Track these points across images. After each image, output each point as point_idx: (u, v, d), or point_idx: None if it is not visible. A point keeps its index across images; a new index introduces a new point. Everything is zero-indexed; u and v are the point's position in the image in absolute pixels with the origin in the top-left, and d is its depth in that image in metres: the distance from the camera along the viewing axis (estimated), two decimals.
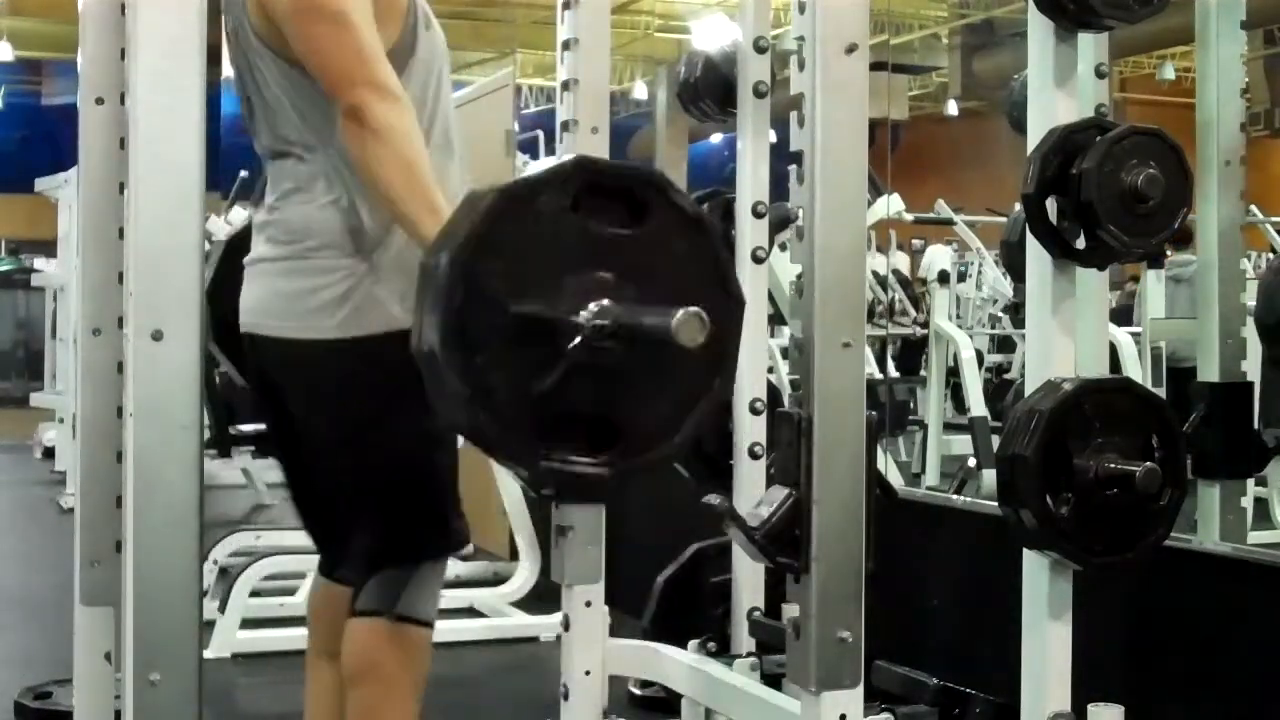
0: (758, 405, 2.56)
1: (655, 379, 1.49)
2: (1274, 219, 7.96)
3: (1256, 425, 3.24)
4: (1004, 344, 8.46)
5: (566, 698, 2.39)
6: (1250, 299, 3.20)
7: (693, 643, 2.55)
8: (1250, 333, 3.17)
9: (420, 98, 2.08)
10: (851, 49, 1.77)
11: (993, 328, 8.76)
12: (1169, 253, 6.03)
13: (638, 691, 3.35)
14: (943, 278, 6.56)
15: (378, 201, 1.99)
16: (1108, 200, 1.93)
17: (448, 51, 2.19)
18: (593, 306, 1.45)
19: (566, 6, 2.36)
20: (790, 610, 1.82)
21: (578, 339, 1.44)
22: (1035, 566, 1.99)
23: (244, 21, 2.06)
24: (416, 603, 2.11)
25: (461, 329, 1.42)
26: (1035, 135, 2.00)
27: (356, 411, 2.09)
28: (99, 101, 1.96)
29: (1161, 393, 4.21)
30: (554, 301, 1.45)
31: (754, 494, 2.42)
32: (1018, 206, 2.17)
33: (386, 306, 2.04)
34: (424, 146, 1.97)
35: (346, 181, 2.04)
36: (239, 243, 2.28)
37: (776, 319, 3.91)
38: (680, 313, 1.39)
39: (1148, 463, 1.87)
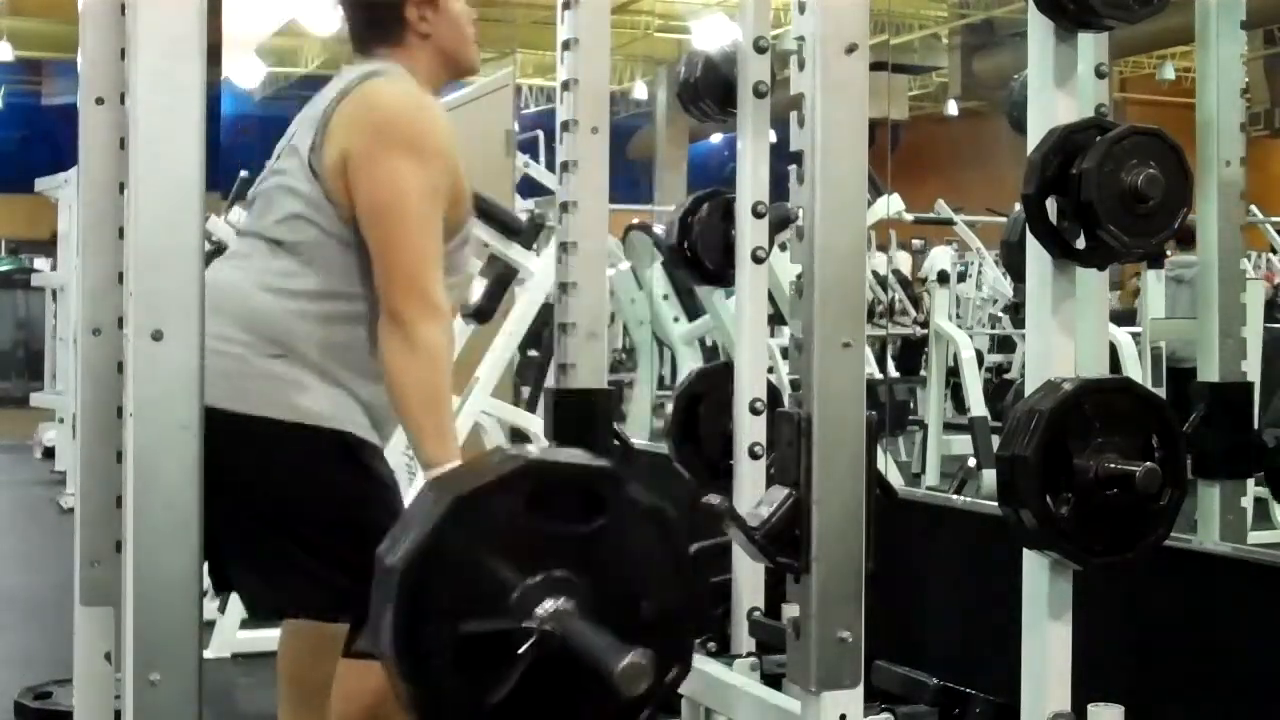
0: (758, 405, 2.56)
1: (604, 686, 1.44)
2: (1274, 219, 7.97)
3: (1256, 425, 3.24)
4: (1004, 344, 8.47)
5: None
6: (1250, 299, 3.21)
7: None
8: (1250, 333, 3.17)
9: (457, 264, 2.19)
10: (851, 49, 1.77)
11: (993, 328, 8.77)
12: (1169, 253, 6.03)
13: None
14: (942, 277, 6.56)
15: (394, 402, 2.07)
16: (1108, 200, 1.92)
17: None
18: (549, 605, 1.42)
19: (566, 6, 2.36)
20: (790, 610, 1.82)
21: (531, 641, 1.42)
22: (1035, 566, 1.99)
23: (309, 152, 2.12)
24: None
25: (415, 643, 1.41)
26: (1035, 135, 2.00)
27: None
28: (99, 101, 1.96)
29: (1161, 393, 4.21)
30: (506, 609, 1.43)
31: (754, 494, 2.41)
32: (1018, 206, 2.17)
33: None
34: (450, 368, 2.07)
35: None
36: None
37: (776, 319, 3.91)
38: (627, 658, 1.37)
39: (1148, 463, 1.87)
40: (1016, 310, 8.03)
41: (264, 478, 2.10)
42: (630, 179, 15.49)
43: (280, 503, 2.11)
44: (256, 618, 2.28)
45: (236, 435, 1.98)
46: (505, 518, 1.44)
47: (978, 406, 6.07)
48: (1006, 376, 7.93)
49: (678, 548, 1.55)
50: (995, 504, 1.95)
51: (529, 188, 7.24)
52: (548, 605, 1.43)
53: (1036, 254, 2.02)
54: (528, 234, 4.53)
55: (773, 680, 2.40)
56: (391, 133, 2.11)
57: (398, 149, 2.09)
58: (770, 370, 2.80)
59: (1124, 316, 6.30)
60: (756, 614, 2.54)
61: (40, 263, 13.65)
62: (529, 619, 1.42)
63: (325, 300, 2.13)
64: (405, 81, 2.18)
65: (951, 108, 15.88)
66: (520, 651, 1.42)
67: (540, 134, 8.03)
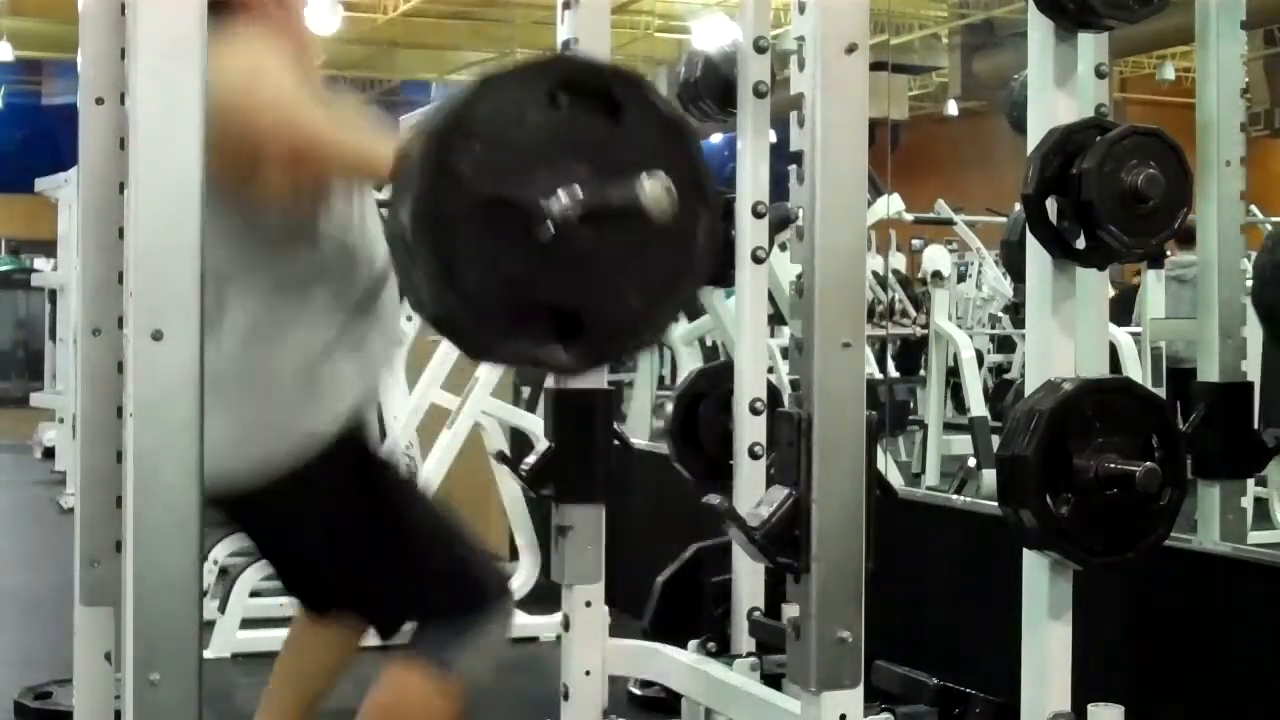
0: (758, 405, 2.56)
1: (625, 271, 1.48)
2: (1274, 219, 7.97)
3: (1256, 425, 3.24)
4: (1004, 344, 8.47)
5: (566, 698, 2.39)
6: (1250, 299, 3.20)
7: (693, 643, 2.55)
8: (1250, 333, 3.17)
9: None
10: (851, 49, 1.77)
11: (993, 328, 8.77)
12: (1169, 253, 6.03)
13: (638, 691, 3.35)
14: (937, 277, 6.55)
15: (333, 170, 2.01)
16: (1108, 200, 1.92)
17: None
18: (563, 193, 1.44)
19: (566, 6, 2.36)
20: (790, 610, 1.82)
21: (548, 224, 1.44)
22: (1035, 566, 1.99)
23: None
24: (460, 656, 2.13)
25: (432, 210, 1.42)
26: (1035, 135, 2.00)
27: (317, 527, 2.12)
28: (99, 101, 1.96)
29: (1161, 393, 4.21)
30: (526, 188, 1.45)
31: (754, 494, 2.41)
32: (1018, 206, 2.17)
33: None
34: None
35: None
36: None
37: (776, 319, 3.91)
38: (645, 179, 1.40)
39: (1148, 463, 1.87)
40: (1016, 310, 8.03)
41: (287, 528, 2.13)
42: None
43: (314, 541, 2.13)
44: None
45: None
46: (530, 104, 1.46)
47: (978, 406, 6.07)
48: (1006, 376, 7.93)
49: (694, 158, 1.55)
50: (995, 504, 1.95)
51: None
52: (564, 194, 1.45)
53: (1036, 254, 2.02)
54: None
55: (773, 680, 2.40)
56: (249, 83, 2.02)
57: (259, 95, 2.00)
58: (770, 370, 2.80)
59: (1122, 302, 6.28)
60: (756, 614, 2.54)
61: (40, 263, 13.65)
62: (547, 201, 1.44)
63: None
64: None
65: (951, 108, 15.87)
66: (538, 232, 1.44)
67: None
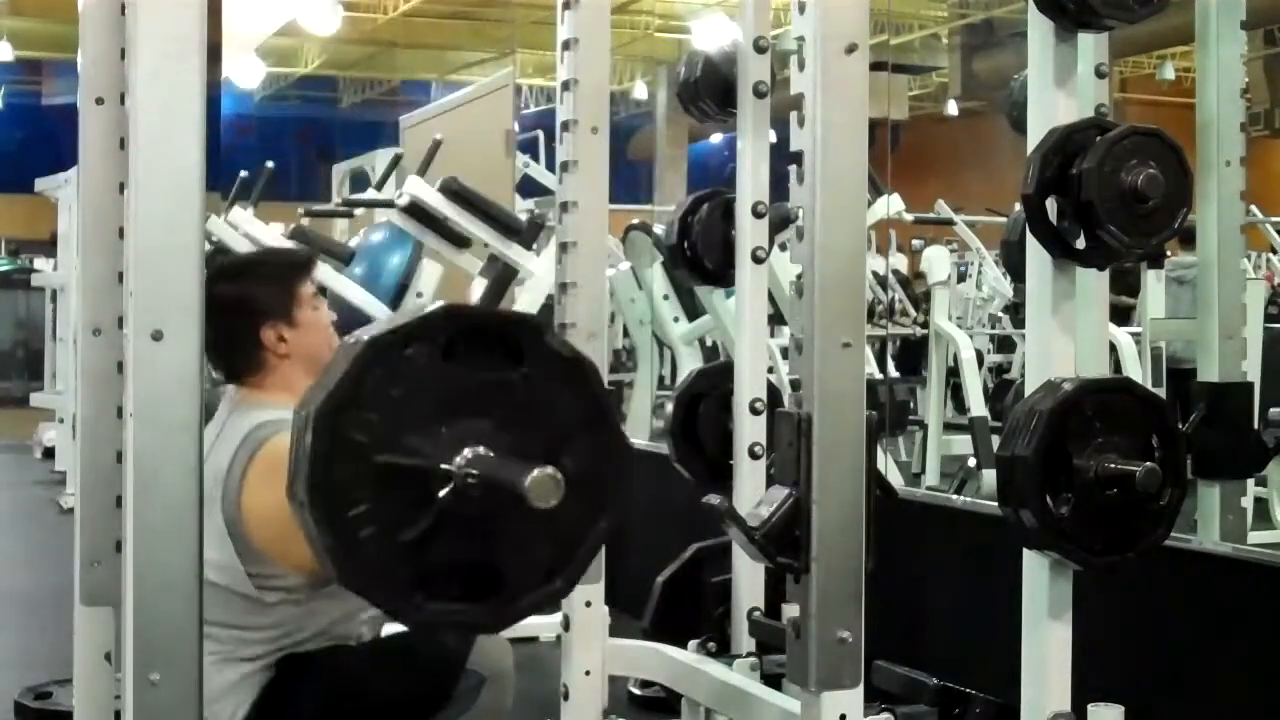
0: (758, 405, 2.56)
1: (536, 523, 1.43)
2: (1274, 219, 7.97)
3: (1256, 425, 3.25)
4: (1004, 344, 8.46)
5: (566, 698, 2.39)
6: (1250, 299, 3.21)
7: (693, 643, 2.55)
8: (1250, 333, 3.17)
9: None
10: (851, 49, 1.78)
11: (993, 328, 8.77)
12: (1169, 253, 6.03)
13: (638, 691, 3.35)
14: (935, 282, 6.55)
15: None
16: (1108, 200, 1.92)
17: None
18: (466, 454, 1.41)
19: (566, 6, 2.36)
20: (790, 610, 1.82)
21: (449, 487, 1.40)
22: (1035, 566, 1.99)
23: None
24: None
25: (327, 482, 1.38)
26: (1035, 135, 2.00)
27: None
28: (99, 101, 1.96)
29: (1161, 393, 4.21)
30: (425, 451, 1.41)
31: (754, 494, 2.42)
32: (1018, 206, 2.17)
33: None
34: None
35: None
36: None
37: (776, 319, 3.91)
38: (534, 472, 1.36)
39: (1148, 463, 1.87)
40: (1016, 310, 8.03)
41: None
42: (630, 179, 15.49)
43: None
44: None
45: None
46: (422, 363, 1.42)
47: (978, 406, 6.07)
48: (1006, 376, 7.93)
49: (599, 397, 1.52)
50: (995, 504, 1.95)
51: (529, 188, 7.24)
52: (466, 453, 1.41)
53: (1036, 254, 2.02)
54: (528, 234, 4.54)
55: (773, 680, 2.40)
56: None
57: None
58: (770, 370, 2.80)
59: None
60: (756, 614, 2.54)
61: (40, 263, 13.64)
62: (446, 463, 1.41)
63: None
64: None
65: (951, 108, 15.87)
66: (440, 495, 1.40)
67: (540, 134, 8.03)
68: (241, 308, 2.27)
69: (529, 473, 1.36)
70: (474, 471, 1.40)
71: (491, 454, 1.41)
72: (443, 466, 1.41)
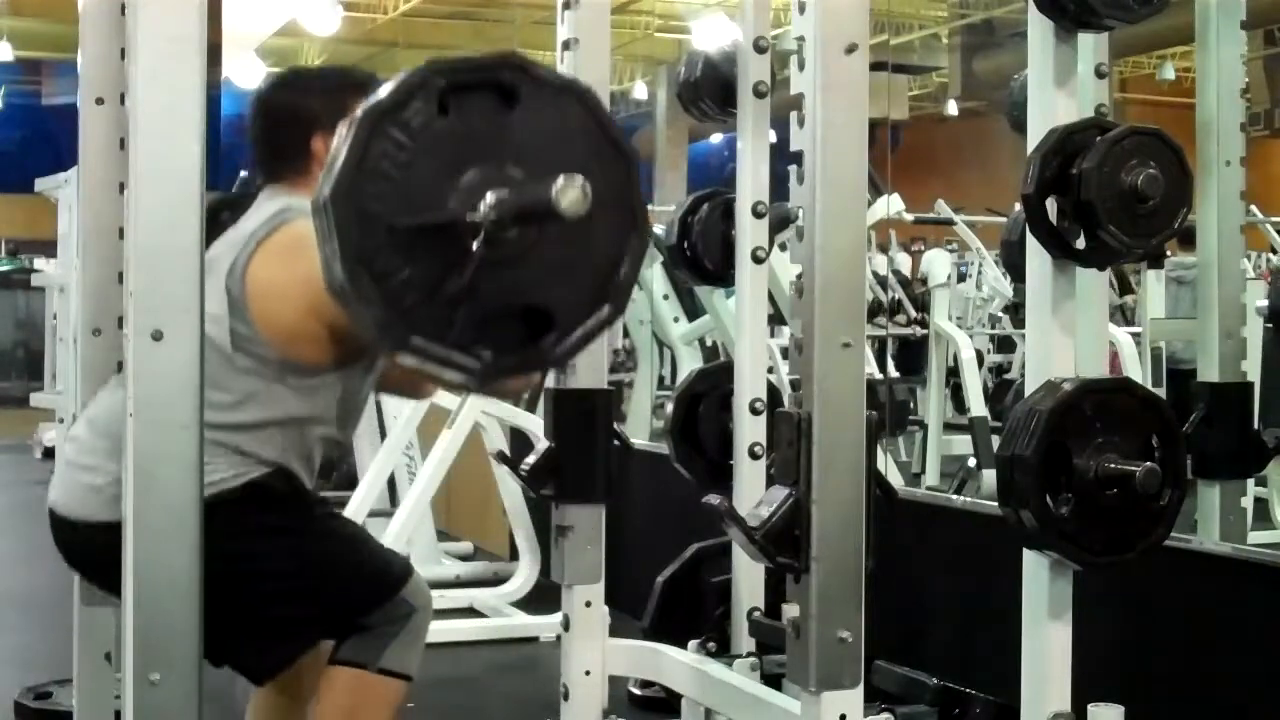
0: (758, 405, 2.56)
1: (573, 251, 1.47)
2: (1274, 219, 7.96)
3: (1256, 425, 3.25)
4: (1004, 344, 8.46)
5: (566, 698, 2.39)
6: (1250, 299, 3.21)
7: (693, 643, 2.55)
8: (1250, 333, 3.17)
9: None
10: (851, 49, 1.78)
11: (993, 328, 8.76)
12: (1169, 253, 6.03)
13: (638, 691, 3.35)
14: (921, 281, 6.54)
15: None
16: (1108, 200, 1.92)
17: None
18: (487, 199, 1.42)
19: (566, 6, 2.36)
20: (790, 610, 1.82)
21: (480, 236, 1.42)
22: (1035, 566, 1.99)
23: (227, 275, 2.13)
24: (399, 657, 2.18)
25: (360, 258, 1.40)
26: (1035, 135, 2.00)
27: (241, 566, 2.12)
28: (99, 101, 1.97)
29: (1161, 393, 4.21)
30: (445, 206, 1.43)
31: (754, 494, 2.41)
32: (1018, 206, 2.17)
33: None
34: None
35: None
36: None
37: (776, 319, 3.91)
38: (558, 180, 1.38)
39: (1148, 463, 1.87)
40: (1016, 310, 8.02)
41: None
42: None
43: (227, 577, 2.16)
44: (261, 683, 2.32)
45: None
46: (420, 124, 1.43)
47: (978, 406, 6.07)
48: (1006, 376, 7.92)
49: (600, 118, 1.53)
50: (995, 504, 1.95)
51: None
52: (487, 198, 1.42)
53: (1036, 254, 2.02)
54: None
55: (773, 680, 2.40)
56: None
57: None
58: (770, 370, 2.80)
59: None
60: (756, 614, 2.54)
61: (40, 263, 13.64)
62: (472, 214, 1.42)
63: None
64: None
65: (951, 108, 15.86)
66: (473, 247, 1.42)
67: None
68: (297, 117, 2.23)
69: (553, 184, 1.37)
70: (498, 216, 1.41)
71: (509, 189, 1.42)
72: (468, 218, 1.42)
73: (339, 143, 1.44)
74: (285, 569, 2.14)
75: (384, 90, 1.44)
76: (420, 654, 2.24)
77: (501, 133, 1.47)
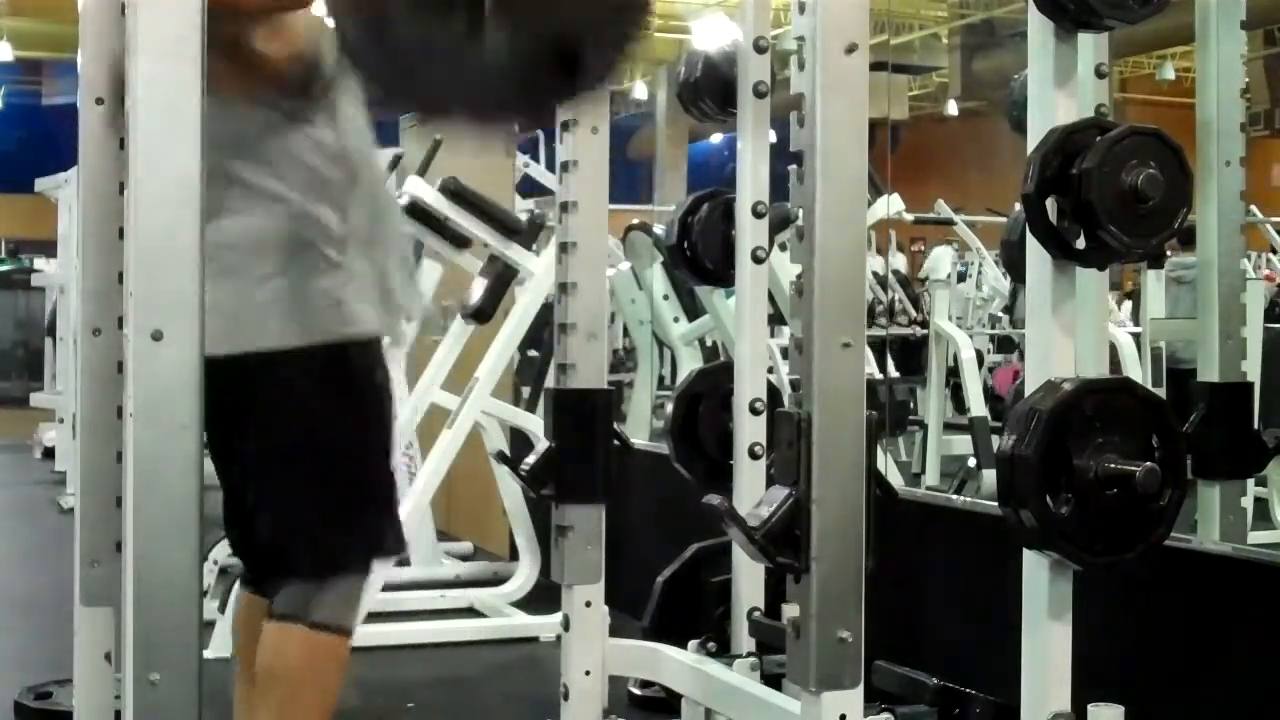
0: (758, 405, 2.56)
1: None
2: (1274, 219, 7.97)
3: (1256, 425, 3.24)
4: (1004, 344, 8.47)
5: (566, 698, 2.39)
6: (1250, 299, 3.20)
7: (693, 643, 2.55)
8: (1250, 333, 3.17)
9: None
10: (851, 49, 1.78)
11: (993, 328, 8.77)
12: (1169, 253, 6.03)
13: (638, 691, 3.35)
14: (921, 281, 6.54)
15: None
16: (1108, 200, 1.92)
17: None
18: None
19: None
20: (790, 610, 1.82)
21: None
22: (1035, 566, 1.99)
23: None
24: (335, 611, 2.13)
25: (380, 12, 1.37)
26: (1035, 135, 2.00)
27: (292, 422, 2.10)
28: (99, 101, 1.96)
29: (1161, 393, 4.21)
30: None
31: (754, 494, 2.42)
32: (1018, 206, 2.17)
33: (328, 311, 2.08)
34: None
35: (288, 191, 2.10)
36: None
37: (776, 319, 3.91)
38: None
39: (1148, 463, 1.87)
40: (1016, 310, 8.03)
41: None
42: (630, 179, 15.48)
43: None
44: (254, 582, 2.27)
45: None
46: None
47: (978, 406, 6.07)
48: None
49: None
50: (995, 504, 1.95)
51: (529, 188, 7.24)
52: None
53: (1036, 254, 2.02)
54: (528, 234, 4.53)
55: (773, 680, 2.40)
56: None
57: None
58: (770, 370, 2.81)
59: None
60: (756, 614, 2.54)
61: (40, 263, 13.64)
62: None
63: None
64: None
65: (951, 108, 15.87)
66: None
67: (540, 134, 8.02)
68: None
69: None
70: None
71: None
72: None
73: None
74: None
75: None
76: (357, 610, 2.18)
77: None
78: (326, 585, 2.12)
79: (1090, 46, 2.20)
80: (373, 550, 2.18)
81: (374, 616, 4.08)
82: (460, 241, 4.63)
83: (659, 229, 6.29)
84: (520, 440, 4.53)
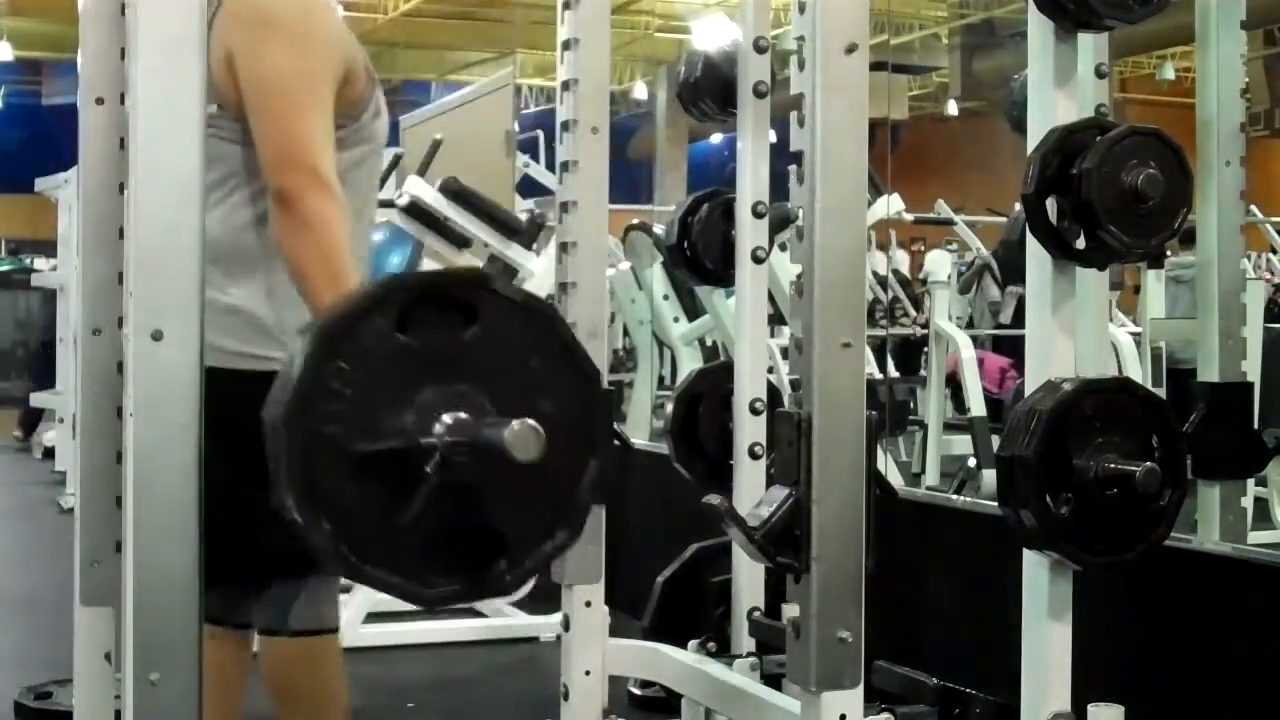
0: (758, 405, 2.56)
1: (528, 478, 1.39)
2: (1274, 219, 7.97)
3: (1256, 425, 3.25)
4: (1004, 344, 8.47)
5: (566, 698, 2.39)
6: (1250, 299, 3.21)
7: (693, 643, 2.55)
8: (1250, 333, 3.17)
9: (368, 179, 2.15)
10: (851, 49, 1.78)
11: (993, 328, 8.77)
12: (1170, 253, 6.03)
13: (638, 691, 3.35)
14: (921, 281, 6.54)
15: (297, 285, 2.04)
16: (1108, 200, 1.92)
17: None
18: (444, 421, 1.37)
19: (566, 6, 2.36)
20: (790, 610, 1.82)
21: (435, 459, 1.37)
22: (1035, 566, 1.99)
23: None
24: (311, 615, 2.12)
25: (313, 483, 1.35)
26: (1035, 135, 2.00)
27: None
28: (99, 101, 1.96)
29: (1161, 393, 4.21)
30: (402, 429, 1.38)
31: (754, 494, 2.41)
32: (1018, 206, 2.17)
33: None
34: (347, 236, 2.01)
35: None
36: None
37: (776, 319, 3.91)
38: (511, 426, 1.33)
39: (1148, 463, 1.87)
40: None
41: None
42: (630, 179, 15.48)
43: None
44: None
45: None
46: (377, 341, 1.38)
47: (978, 406, 6.07)
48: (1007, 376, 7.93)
49: (563, 338, 1.47)
50: (995, 504, 1.95)
51: (529, 188, 7.24)
52: (444, 420, 1.37)
53: (1036, 254, 2.02)
54: (528, 234, 4.54)
55: (773, 680, 2.40)
56: (272, 25, 2.10)
57: (277, 40, 2.08)
58: (770, 370, 2.80)
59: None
60: (756, 614, 2.54)
61: (40, 263, 13.64)
62: (427, 436, 1.37)
63: (219, 189, 2.11)
64: None
65: (951, 108, 15.88)
66: (427, 470, 1.37)
67: (540, 134, 8.03)
68: None
69: (505, 427, 1.32)
70: (456, 439, 1.36)
71: (468, 417, 1.37)
72: (423, 441, 1.37)
73: (295, 355, 1.38)
74: None
75: (342, 306, 1.39)
76: (336, 604, 2.16)
77: (461, 351, 1.41)
78: (295, 594, 2.12)
79: (1090, 46, 2.20)
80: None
81: (374, 617, 4.08)
82: (460, 241, 4.63)
83: (659, 229, 6.29)
84: None
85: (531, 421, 1.34)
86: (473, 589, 1.45)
